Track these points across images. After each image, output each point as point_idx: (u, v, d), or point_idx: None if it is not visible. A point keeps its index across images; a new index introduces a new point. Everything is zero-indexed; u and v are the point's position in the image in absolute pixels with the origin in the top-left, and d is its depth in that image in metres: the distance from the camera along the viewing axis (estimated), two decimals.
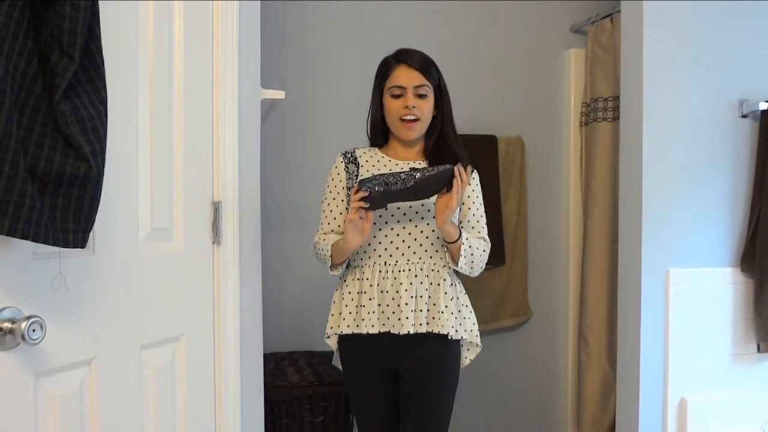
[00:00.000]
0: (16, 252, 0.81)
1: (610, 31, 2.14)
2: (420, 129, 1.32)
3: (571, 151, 2.34)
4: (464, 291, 1.37)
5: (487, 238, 1.36)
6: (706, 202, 1.67)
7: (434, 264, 1.30)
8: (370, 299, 1.28)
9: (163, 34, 1.07)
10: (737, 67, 1.68)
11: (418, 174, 1.21)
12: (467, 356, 1.37)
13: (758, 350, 1.67)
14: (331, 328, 1.35)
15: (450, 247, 1.27)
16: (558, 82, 2.36)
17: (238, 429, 1.25)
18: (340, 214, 1.34)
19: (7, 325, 0.78)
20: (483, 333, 2.34)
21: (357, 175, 1.33)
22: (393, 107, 1.31)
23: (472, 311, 1.37)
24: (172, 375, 1.09)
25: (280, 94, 1.48)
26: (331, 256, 1.28)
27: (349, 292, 1.31)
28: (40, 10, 0.77)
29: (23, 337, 0.78)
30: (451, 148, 1.33)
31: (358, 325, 1.29)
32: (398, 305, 1.26)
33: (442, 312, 1.27)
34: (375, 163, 1.35)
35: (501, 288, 2.24)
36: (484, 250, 1.33)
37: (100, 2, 0.83)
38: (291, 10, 2.03)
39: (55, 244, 0.79)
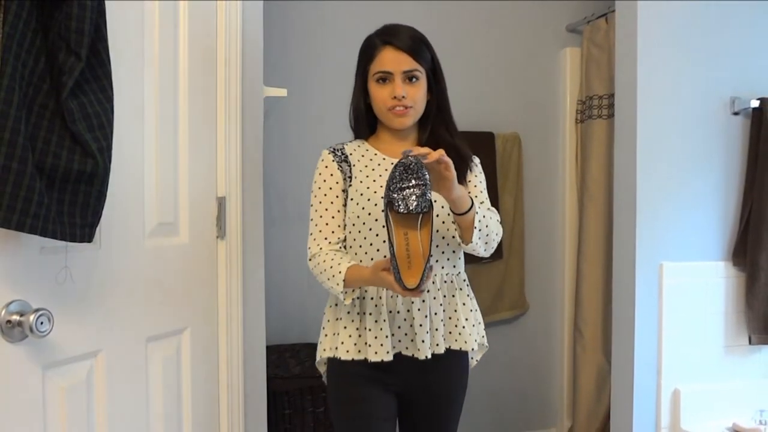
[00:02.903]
0: (25, 246, 0.82)
1: (605, 31, 2.16)
2: (413, 115, 1.13)
3: (567, 148, 2.37)
4: (471, 292, 1.21)
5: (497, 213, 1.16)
6: (698, 197, 1.69)
7: (447, 273, 1.12)
8: (375, 321, 1.08)
9: (168, 33, 1.08)
10: (729, 66, 1.71)
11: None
12: (475, 357, 1.23)
13: (750, 342, 1.70)
14: (325, 350, 1.13)
15: (461, 220, 1.05)
16: (554, 80, 2.39)
17: (242, 419, 1.27)
18: (334, 217, 1.13)
19: (15, 317, 0.80)
20: None
21: (350, 176, 1.13)
22: (380, 95, 1.11)
23: (479, 310, 1.21)
24: (177, 366, 1.11)
25: (282, 92, 1.49)
26: (345, 279, 1.04)
27: (348, 312, 1.10)
28: (48, 10, 0.78)
29: (31, 330, 0.79)
30: (448, 138, 1.15)
31: (360, 350, 1.09)
32: (411, 326, 1.08)
33: (463, 327, 1.12)
34: (368, 162, 1.15)
35: (498, 281, 2.27)
36: (498, 221, 1.13)
37: (106, 2, 0.84)
38: (293, 10, 2.05)
39: (63, 238, 0.81)
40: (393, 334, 1.09)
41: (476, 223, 1.04)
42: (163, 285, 1.08)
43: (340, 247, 1.13)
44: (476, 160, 1.22)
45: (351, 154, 1.16)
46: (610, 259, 1.82)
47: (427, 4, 2.20)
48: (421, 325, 1.08)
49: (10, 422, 0.81)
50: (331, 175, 1.14)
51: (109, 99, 0.85)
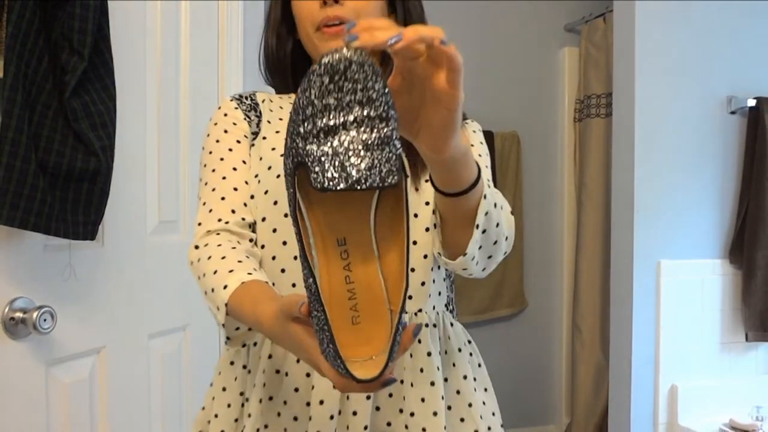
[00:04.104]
0: (28, 244, 0.83)
1: (603, 30, 2.18)
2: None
3: (565, 147, 2.38)
4: (476, 348, 0.72)
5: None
6: (695, 195, 1.71)
7: (434, 317, 0.67)
8: (271, 413, 0.63)
9: (171, 33, 1.09)
10: (726, 65, 1.72)
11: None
12: None
13: (746, 339, 1.71)
14: None
15: (453, 206, 0.52)
16: (552, 80, 2.40)
17: None
18: (237, 189, 0.67)
19: (19, 314, 0.80)
20: (479, 323, 2.40)
21: (258, 132, 0.70)
22: (304, 9, 0.68)
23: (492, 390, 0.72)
24: (179, 363, 1.12)
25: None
26: (228, 304, 0.56)
27: (235, 379, 0.67)
28: (51, 10, 0.79)
29: (35, 327, 0.80)
30: None
31: None
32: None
33: None
34: (287, 116, 0.68)
35: (497, 279, 2.28)
36: (510, 212, 0.61)
37: (109, 2, 0.85)
38: None
39: (66, 236, 0.82)
40: None
41: (480, 216, 0.52)
42: (165, 282, 1.08)
43: (251, 242, 0.65)
44: (475, 123, 0.76)
45: (263, 102, 0.73)
46: (608, 257, 1.84)
47: (426, 4, 2.21)
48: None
49: (13, 418, 0.81)
50: (234, 124, 0.70)
51: (112, 98, 0.86)
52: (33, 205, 0.76)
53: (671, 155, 1.68)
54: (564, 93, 2.38)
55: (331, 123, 0.38)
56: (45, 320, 0.81)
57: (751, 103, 1.69)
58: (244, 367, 0.66)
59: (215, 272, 0.58)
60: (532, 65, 2.36)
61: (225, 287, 0.56)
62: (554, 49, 2.39)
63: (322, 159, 0.38)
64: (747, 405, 1.61)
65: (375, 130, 0.38)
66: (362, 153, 0.38)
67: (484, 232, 0.53)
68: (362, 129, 0.38)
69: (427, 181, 0.64)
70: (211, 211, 0.66)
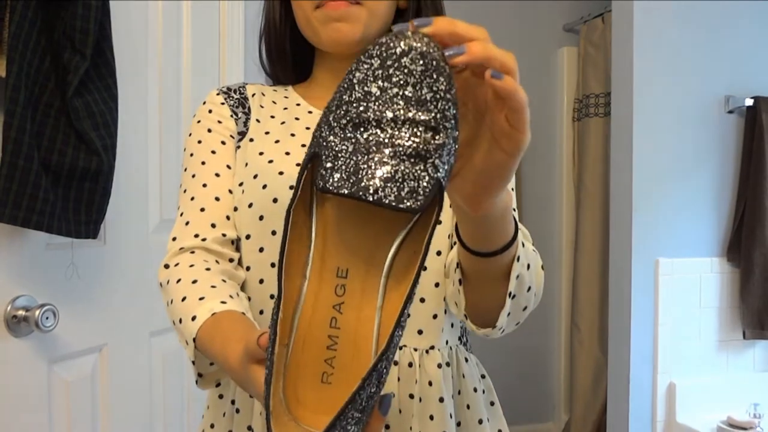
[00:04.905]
0: (30, 242, 0.83)
1: (601, 30, 2.19)
2: (362, 20, 0.58)
3: (564, 146, 2.39)
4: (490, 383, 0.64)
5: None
6: (693, 194, 1.72)
7: (448, 352, 0.59)
8: None
9: (172, 33, 1.09)
10: (724, 65, 1.73)
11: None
12: None
13: (744, 337, 1.72)
14: None
15: (484, 267, 0.45)
16: (551, 79, 2.41)
17: None
18: (219, 199, 0.59)
19: (21, 312, 0.81)
20: None
21: (245, 132, 0.62)
22: None
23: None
24: (180, 361, 1.12)
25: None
26: (197, 337, 0.48)
27: (224, 414, 0.60)
28: (53, 10, 0.79)
29: (37, 325, 0.80)
30: None
31: None
32: None
33: None
34: (280, 112, 0.64)
35: None
36: (541, 266, 0.52)
37: (111, 2, 0.86)
38: None
39: (68, 234, 0.82)
40: None
41: (512, 282, 0.45)
42: None
43: (232, 262, 0.58)
44: None
45: (253, 96, 0.65)
46: (607, 255, 1.85)
47: None
48: None
49: (16, 416, 0.82)
50: (219, 122, 0.62)
51: (114, 97, 0.86)
52: (35, 203, 0.77)
53: (669, 154, 1.69)
54: (563, 92, 2.39)
55: (365, 115, 0.30)
56: (47, 318, 0.81)
57: (749, 102, 1.70)
58: (233, 402, 0.58)
59: (183, 299, 0.50)
60: (531, 65, 2.37)
61: (194, 318, 0.47)
62: (553, 49, 2.40)
63: (339, 154, 0.30)
64: (745, 402, 1.62)
65: (414, 138, 0.29)
66: (387, 159, 0.29)
67: (514, 297, 0.45)
68: (400, 131, 0.29)
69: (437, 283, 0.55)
70: (188, 223, 0.57)
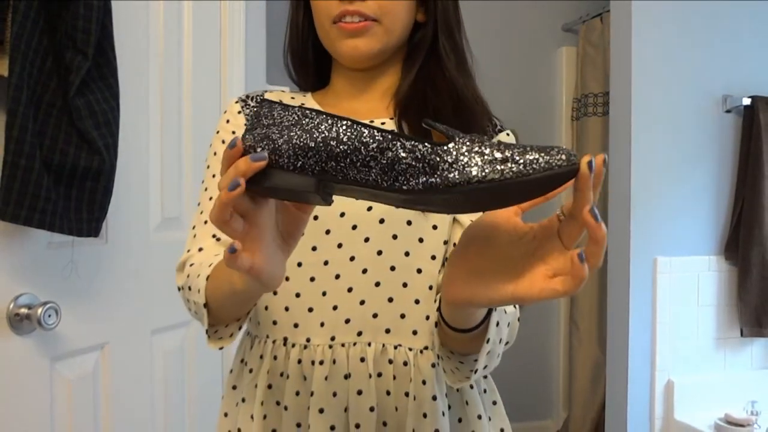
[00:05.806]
0: (32, 241, 0.84)
1: (600, 30, 2.19)
2: (380, 36, 0.61)
3: (563, 145, 2.40)
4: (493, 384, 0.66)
5: None
6: (691, 193, 1.72)
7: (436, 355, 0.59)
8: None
9: (173, 32, 1.09)
10: (721, 64, 1.73)
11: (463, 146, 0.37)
12: None
13: (741, 335, 1.73)
14: None
15: (456, 334, 0.48)
16: (550, 79, 2.42)
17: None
18: None
19: (23, 311, 0.81)
20: None
21: None
22: (321, 5, 0.62)
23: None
24: (182, 359, 1.13)
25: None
26: (206, 304, 0.53)
27: (243, 400, 0.62)
28: (55, 10, 0.79)
29: (39, 323, 0.81)
30: (455, 92, 0.66)
31: None
32: None
33: None
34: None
35: None
36: (517, 318, 0.61)
37: (112, 2, 0.86)
38: None
39: (70, 233, 0.83)
40: None
41: (482, 358, 0.48)
42: (168, 279, 1.09)
43: None
44: (513, 137, 0.72)
45: None
46: (605, 254, 1.85)
47: None
48: None
49: (18, 414, 0.82)
50: (233, 132, 0.65)
51: (115, 97, 0.86)
52: (37, 202, 0.77)
53: (667, 153, 1.70)
54: (561, 92, 2.40)
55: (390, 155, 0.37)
56: (49, 316, 0.82)
57: (746, 101, 1.71)
58: (278, 403, 0.60)
59: (198, 276, 0.54)
60: (530, 64, 2.37)
61: (202, 275, 0.54)
62: (552, 49, 2.41)
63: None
64: (742, 400, 1.63)
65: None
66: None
67: (485, 368, 0.51)
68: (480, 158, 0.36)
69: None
70: (200, 250, 0.59)
